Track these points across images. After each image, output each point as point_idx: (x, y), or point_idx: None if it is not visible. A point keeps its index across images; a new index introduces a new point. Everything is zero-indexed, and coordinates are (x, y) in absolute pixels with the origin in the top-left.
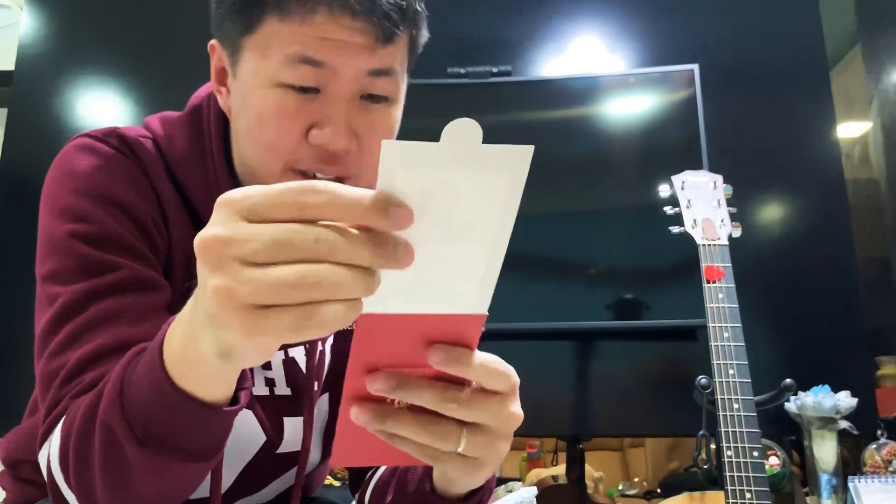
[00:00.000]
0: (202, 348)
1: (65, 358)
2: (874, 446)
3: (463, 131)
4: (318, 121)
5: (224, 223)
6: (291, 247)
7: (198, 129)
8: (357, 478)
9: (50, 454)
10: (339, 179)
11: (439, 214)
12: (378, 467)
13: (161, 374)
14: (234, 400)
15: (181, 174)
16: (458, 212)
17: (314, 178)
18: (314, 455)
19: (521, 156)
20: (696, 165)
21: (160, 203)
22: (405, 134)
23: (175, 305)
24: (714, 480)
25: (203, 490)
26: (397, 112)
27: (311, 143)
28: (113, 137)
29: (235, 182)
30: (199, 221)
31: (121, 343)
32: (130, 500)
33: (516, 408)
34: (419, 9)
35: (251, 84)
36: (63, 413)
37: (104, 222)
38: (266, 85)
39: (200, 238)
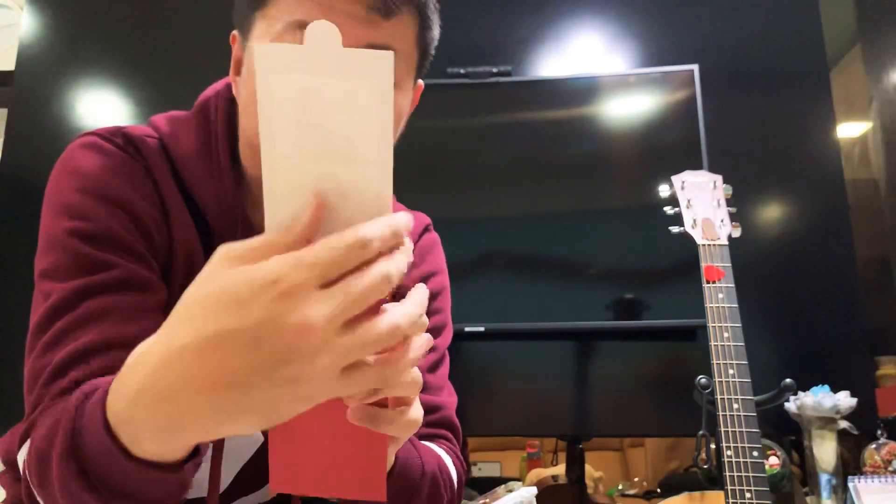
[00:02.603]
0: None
1: (49, 357)
2: (874, 446)
3: (324, 33)
4: None
5: (304, 293)
6: (361, 306)
7: (204, 128)
8: None
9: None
10: None
11: (319, 126)
12: None
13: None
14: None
15: (186, 174)
16: (336, 123)
17: None
18: None
19: (381, 61)
20: (696, 165)
21: (163, 203)
22: (405, 133)
23: (172, 306)
24: (714, 480)
25: (201, 489)
26: (400, 97)
27: None
28: (118, 136)
29: (240, 183)
30: (203, 221)
31: (106, 342)
32: None
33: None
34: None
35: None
36: (40, 416)
37: (103, 221)
38: None
39: (283, 278)
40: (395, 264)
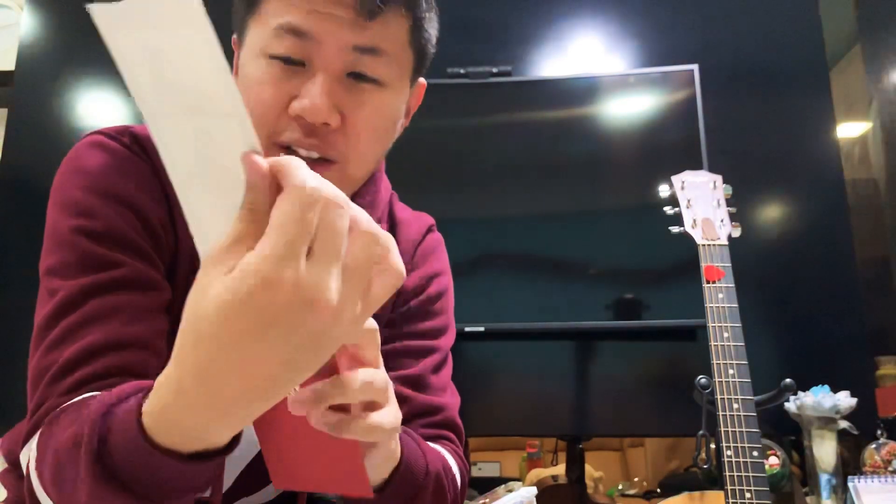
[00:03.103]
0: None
1: (56, 354)
2: (874, 446)
3: None
4: (300, 93)
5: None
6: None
7: None
8: None
9: (29, 459)
10: (323, 160)
11: (173, 83)
12: None
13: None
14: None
15: None
16: (185, 77)
17: (296, 154)
18: None
19: (189, 7)
20: (696, 165)
21: (169, 203)
22: (406, 132)
23: (177, 306)
24: (714, 480)
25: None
26: (391, 98)
27: (291, 113)
28: (125, 136)
29: None
30: None
31: (112, 341)
32: None
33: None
34: None
35: (247, 57)
36: (44, 416)
37: (110, 219)
38: (257, 56)
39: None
40: (350, 212)
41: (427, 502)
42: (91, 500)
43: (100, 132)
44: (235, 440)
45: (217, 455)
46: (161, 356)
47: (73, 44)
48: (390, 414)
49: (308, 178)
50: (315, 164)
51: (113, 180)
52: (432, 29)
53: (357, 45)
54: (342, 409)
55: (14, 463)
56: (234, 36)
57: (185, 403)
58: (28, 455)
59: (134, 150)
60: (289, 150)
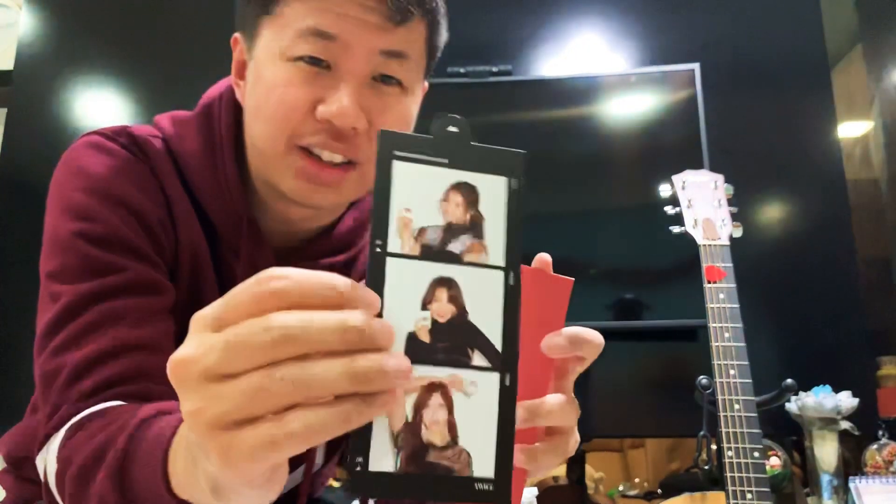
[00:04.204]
0: (200, 483)
1: (65, 359)
2: (875, 447)
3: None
4: (327, 96)
5: (190, 340)
6: (247, 348)
7: (209, 129)
8: None
9: (47, 465)
10: (348, 163)
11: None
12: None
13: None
14: None
15: (191, 174)
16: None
17: (318, 158)
18: (318, 457)
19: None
20: (697, 165)
21: (168, 204)
22: None
23: (179, 308)
24: (715, 481)
25: None
26: (412, 103)
27: (318, 117)
28: (123, 136)
29: (246, 186)
30: (208, 222)
31: (122, 345)
32: None
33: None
34: (437, 2)
35: (264, 60)
36: (63, 421)
37: (110, 222)
38: (277, 59)
39: (170, 362)
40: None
41: None
42: None
43: (97, 132)
44: None
45: None
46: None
47: (72, 43)
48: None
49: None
50: (338, 167)
51: (112, 182)
52: (445, 34)
53: (384, 49)
54: None
55: (14, 463)
56: (237, 35)
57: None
58: (45, 461)
59: (132, 150)
60: (309, 151)
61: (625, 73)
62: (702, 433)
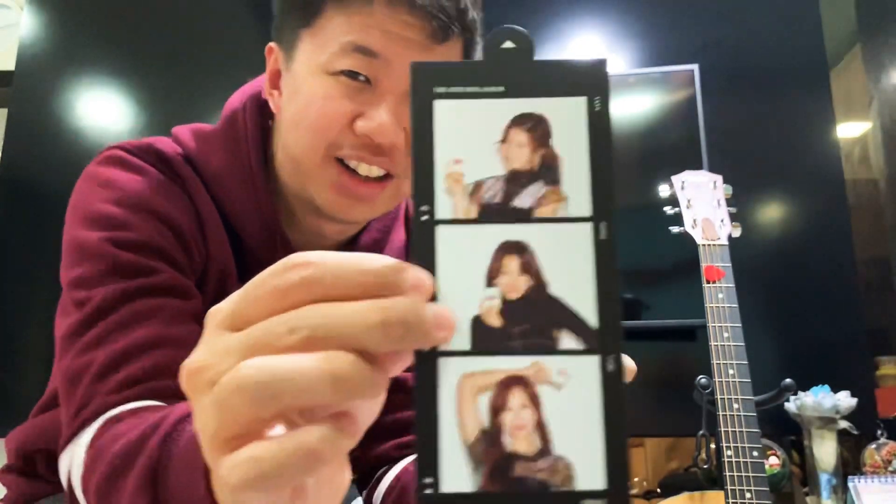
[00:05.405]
0: None
1: (94, 356)
2: (874, 446)
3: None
4: (366, 111)
5: (205, 342)
6: (268, 349)
7: (235, 144)
8: (364, 478)
9: (72, 465)
10: (385, 175)
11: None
12: (385, 469)
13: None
14: None
15: (218, 191)
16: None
17: (354, 171)
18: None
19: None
20: (696, 165)
21: (200, 220)
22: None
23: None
24: (714, 480)
25: None
26: None
27: (357, 131)
28: (151, 154)
29: (275, 199)
30: (237, 238)
31: (154, 340)
32: None
33: None
34: (476, 17)
35: (304, 73)
36: (92, 416)
37: (143, 230)
38: (318, 73)
39: (182, 369)
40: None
41: None
42: None
43: (120, 147)
44: None
45: None
46: None
47: (73, 44)
48: None
49: None
50: (374, 181)
51: (144, 196)
52: (479, 50)
53: None
54: None
55: (23, 459)
56: (272, 44)
57: None
58: (70, 460)
59: (161, 168)
60: (345, 165)
61: (624, 74)
62: (701, 433)
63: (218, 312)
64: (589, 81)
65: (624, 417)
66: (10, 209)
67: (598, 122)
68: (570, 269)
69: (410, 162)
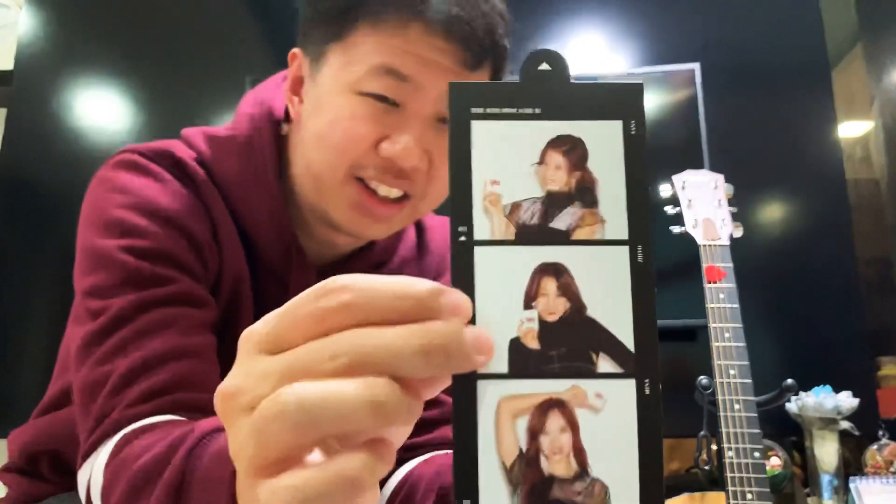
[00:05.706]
0: None
1: (111, 367)
2: (875, 447)
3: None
4: (392, 134)
5: (240, 365)
6: (308, 375)
7: (249, 151)
8: None
9: (91, 479)
10: (404, 197)
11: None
12: (390, 470)
13: None
14: None
15: (232, 198)
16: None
17: (374, 191)
18: None
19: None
20: (697, 165)
21: (214, 227)
22: None
23: (217, 327)
24: (715, 481)
25: None
26: None
27: (381, 154)
28: (166, 159)
29: (290, 205)
30: (250, 244)
31: (173, 351)
32: None
33: None
34: (506, 45)
35: (330, 89)
36: (113, 429)
37: (158, 238)
38: (346, 91)
39: (217, 392)
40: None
41: None
42: None
43: (134, 151)
44: None
45: None
46: (218, 369)
47: (72, 43)
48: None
49: None
50: (393, 202)
51: (160, 202)
52: (507, 75)
53: None
54: None
55: (26, 460)
56: (296, 49)
57: None
58: (89, 474)
59: (176, 174)
60: (365, 184)
61: (625, 74)
62: (702, 433)
63: (253, 335)
64: (625, 105)
65: (660, 441)
66: (9, 208)
67: (634, 145)
68: (608, 292)
69: (448, 182)
